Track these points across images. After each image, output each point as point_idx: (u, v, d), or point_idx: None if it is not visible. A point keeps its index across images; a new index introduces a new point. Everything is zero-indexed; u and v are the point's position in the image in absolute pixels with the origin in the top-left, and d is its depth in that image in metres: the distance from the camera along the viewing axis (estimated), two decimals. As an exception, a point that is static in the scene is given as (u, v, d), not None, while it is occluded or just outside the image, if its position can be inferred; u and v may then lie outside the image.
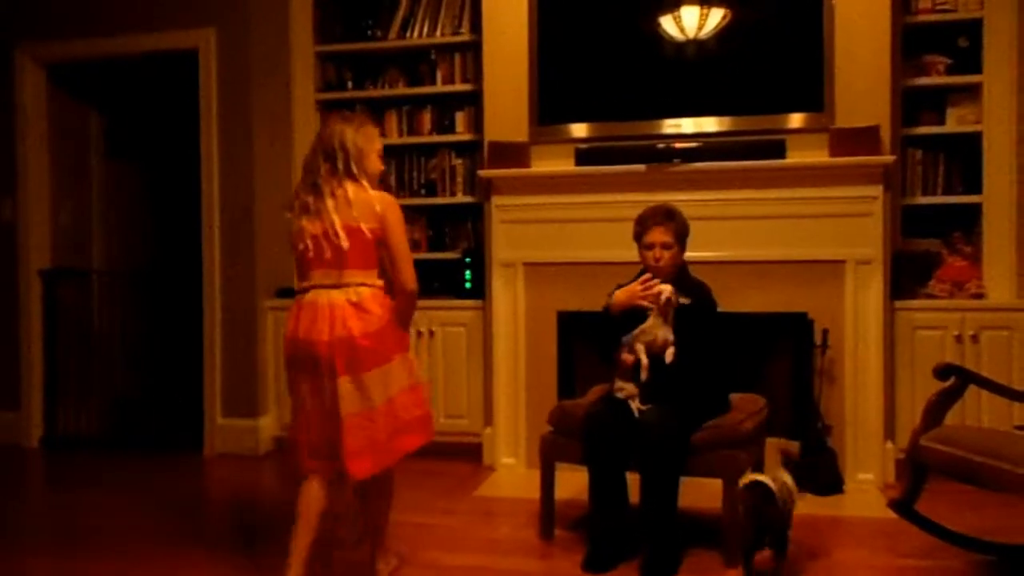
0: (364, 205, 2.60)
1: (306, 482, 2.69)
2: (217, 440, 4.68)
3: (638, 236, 3.15)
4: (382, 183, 4.59)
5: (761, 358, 4.10)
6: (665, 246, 3.07)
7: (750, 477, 2.76)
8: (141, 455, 4.69)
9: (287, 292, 4.78)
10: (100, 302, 5.27)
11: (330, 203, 2.58)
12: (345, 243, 2.56)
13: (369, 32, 4.87)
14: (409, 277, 2.65)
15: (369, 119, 2.82)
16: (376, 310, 2.59)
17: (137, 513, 3.67)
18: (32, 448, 4.92)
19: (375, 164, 2.70)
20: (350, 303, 2.57)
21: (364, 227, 2.58)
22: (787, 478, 2.84)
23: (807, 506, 3.62)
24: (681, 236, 3.12)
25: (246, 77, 4.63)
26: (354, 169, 2.62)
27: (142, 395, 5.44)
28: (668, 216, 3.12)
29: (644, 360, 2.95)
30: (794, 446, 3.78)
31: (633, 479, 2.98)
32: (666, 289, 2.95)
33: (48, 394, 4.98)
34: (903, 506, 3.03)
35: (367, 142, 2.67)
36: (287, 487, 4.15)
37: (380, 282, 2.66)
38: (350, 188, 2.60)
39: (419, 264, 4.62)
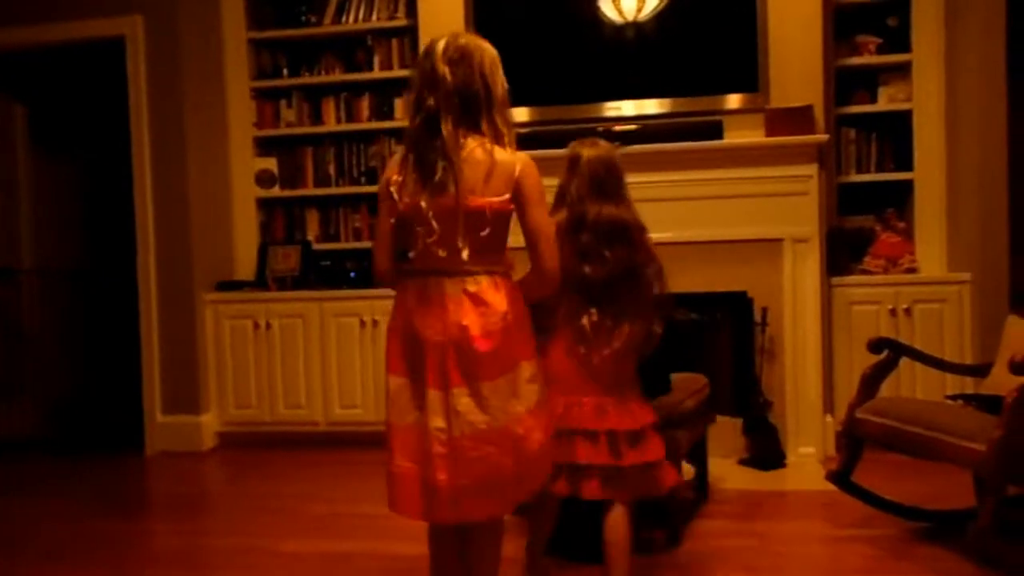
0: (500, 169, 2.00)
1: (432, 535, 2.16)
2: (158, 438, 4.58)
3: None
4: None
5: (703, 337, 4.15)
6: None
7: None
8: (79, 457, 4.57)
9: (228, 285, 4.70)
10: (31, 301, 5.10)
11: (455, 166, 1.97)
12: (468, 224, 1.98)
13: (303, 18, 4.78)
14: (553, 262, 2.06)
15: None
16: (499, 304, 2.02)
17: (75, 518, 3.56)
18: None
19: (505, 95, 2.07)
20: (468, 294, 2.01)
21: (495, 200, 2.00)
22: None
23: (750, 481, 3.71)
24: None
25: (176, 65, 4.50)
26: (497, 119, 2.02)
27: (80, 395, 5.30)
28: None
29: None
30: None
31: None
32: None
33: (-25, 397, 4.82)
34: (840, 477, 3.10)
35: (497, 58, 2.06)
36: (232, 484, 4.13)
37: (504, 266, 2.08)
38: (482, 144, 2.01)
39: (362, 253, 4.73)
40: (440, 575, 2.18)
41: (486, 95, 2.02)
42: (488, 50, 2.07)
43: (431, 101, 2.00)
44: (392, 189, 2.05)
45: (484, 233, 2.01)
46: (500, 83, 2.06)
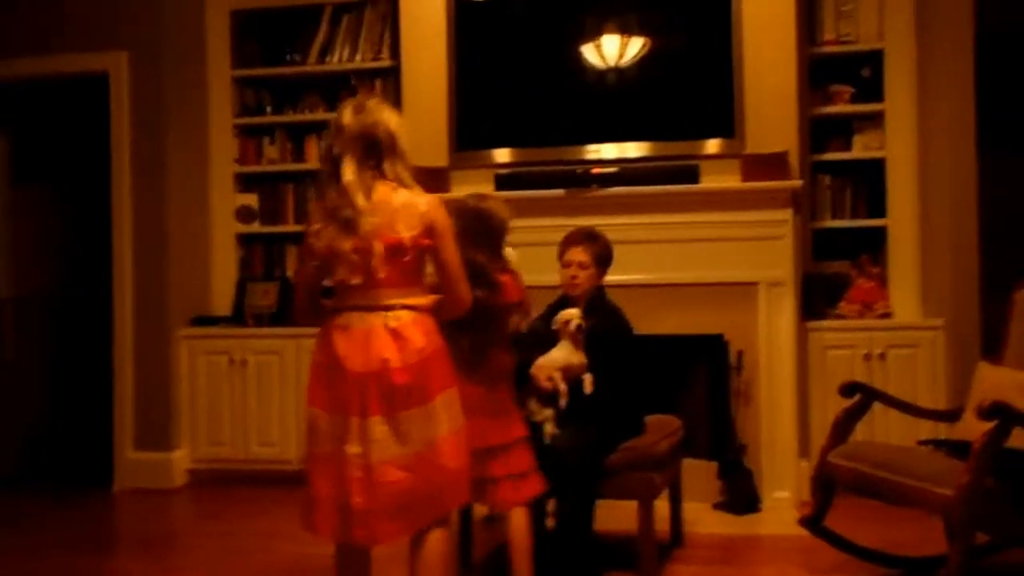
0: (407, 209, 2.17)
1: (339, 554, 2.27)
2: (127, 475, 4.52)
3: (560, 255, 3.19)
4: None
5: (678, 380, 4.17)
6: (581, 266, 3.10)
7: None
8: (46, 492, 4.50)
9: (204, 320, 4.69)
10: (7, 330, 5.05)
11: (364, 208, 2.12)
12: (381, 258, 2.13)
13: (288, 57, 4.84)
14: (464, 291, 2.29)
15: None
16: (417, 338, 2.17)
17: (40, 555, 3.50)
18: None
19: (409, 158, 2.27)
20: (388, 329, 2.15)
21: (405, 236, 2.16)
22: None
23: (724, 525, 3.69)
24: (600, 259, 3.15)
25: (160, 101, 4.54)
26: (398, 164, 2.20)
27: (51, 428, 5.22)
28: (589, 238, 3.16)
29: (563, 387, 2.95)
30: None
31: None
32: (574, 316, 2.97)
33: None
34: (813, 522, 3.09)
35: (404, 131, 2.25)
36: (201, 522, 4.07)
37: (425, 300, 2.24)
38: (389, 188, 2.18)
39: None
40: None
41: (389, 143, 2.19)
42: (394, 114, 2.26)
43: (337, 148, 2.18)
44: (312, 240, 2.20)
45: (404, 264, 2.18)
46: (402, 138, 2.22)
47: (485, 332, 2.69)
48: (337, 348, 2.17)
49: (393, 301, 2.17)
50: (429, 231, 2.19)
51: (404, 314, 2.17)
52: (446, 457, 2.19)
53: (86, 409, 5.06)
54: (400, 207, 2.17)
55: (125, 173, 4.56)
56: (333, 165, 2.18)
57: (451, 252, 2.25)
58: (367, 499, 2.11)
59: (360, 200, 2.13)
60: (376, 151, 2.18)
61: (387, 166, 2.19)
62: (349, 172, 2.15)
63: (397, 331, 2.15)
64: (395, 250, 2.15)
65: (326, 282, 2.25)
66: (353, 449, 2.13)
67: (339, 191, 2.15)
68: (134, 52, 4.54)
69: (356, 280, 2.14)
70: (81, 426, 5.11)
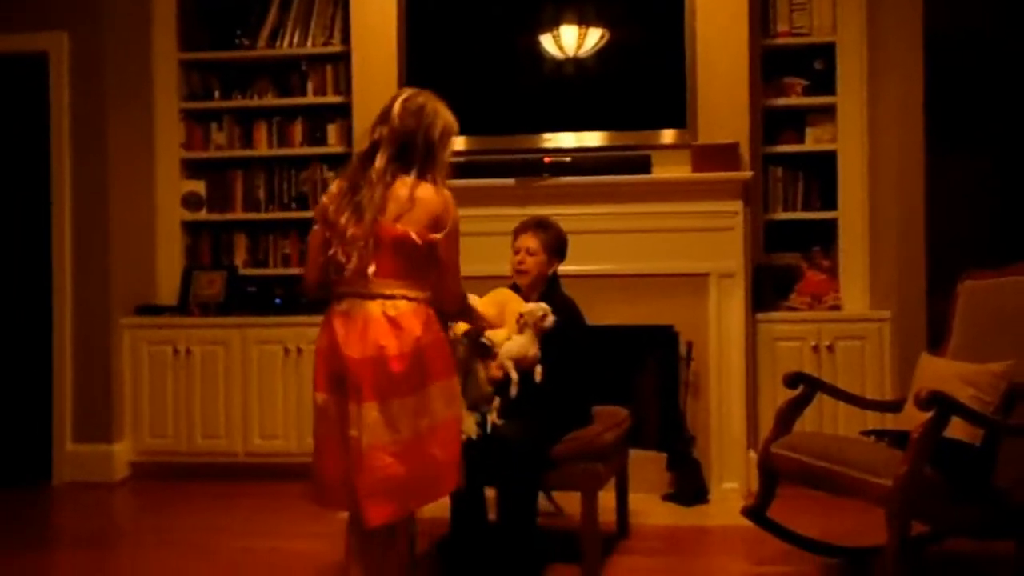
0: (421, 205, 2.23)
1: (350, 524, 2.34)
2: (67, 468, 4.42)
3: (513, 241, 3.19)
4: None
5: (628, 371, 4.18)
6: (530, 252, 3.10)
7: None
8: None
9: (148, 309, 4.59)
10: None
11: (378, 200, 2.20)
12: (390, 252, 2.21)
13: (237, 41, 4.74)
14: (456, 287, 2.37)
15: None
16: (414, 328, 2.22)
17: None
18: None
19: (448, 160, 2.35)
20: (387, 317, 2.21)
21: (413, 231, 2.22)
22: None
23: (672, 516, 3.71)
24: (550, 248, 3.14)
25: (101, 84, 4.43)
26: (428, 167, 2.26)
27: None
28: (540, 226, 3.16)
29: (514, 376, 2.92)
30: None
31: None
32: (548, 311, 2.95)
33: None
34: (755, 513, 3.12)
35: (452, 130, 2.33)
36: (143, 517, 4.00)
37: (424, 293, 2.29)
38: (410, 183, 2.24)
39: (290, 280, 4.67)
40: (351, 564, 2.35)
41: (425, 150, 2.25)
42: (446, 119, 2.31)
43: (377, 134, 2.27)
44: (330, 209, 2.27)
45: (406, 258, 2.23)
46: (445, 149, 2.30)
47: None
48: (337, 333, 2.24)
49: (393, 291, 2.23)
50: (435, 227, 2.24)
51: (403, 304, 2.23)
52: (437, 446, 2.26)
53: (23, 401, 4.91)
54: (415, 203, 2.22)
55: (65, 157, 4.44)
56: (372, 148, 2.26)
57: (451, 250, 2.30)
58: (361, 481, 2.19)
59: (377, 192, 2.21)
60: (410, 152, 2.25)
61: (416, 168, 2.26)
62: (380, 161, 2.23)
63: (395, 320, 2.21)
64: (400, 243, 2.21)
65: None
66: (352, 432, 2.21)
67: (365, 176, 2.24)
68: (75, 32, 4.42)
69: (350, 265, 2.21)
70: (18, 418, 4.96)
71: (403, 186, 2.23)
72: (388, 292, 2.23)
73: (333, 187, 2.34)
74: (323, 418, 2.29)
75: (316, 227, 2.34)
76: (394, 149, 2.24)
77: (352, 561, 2.34)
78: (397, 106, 2.27)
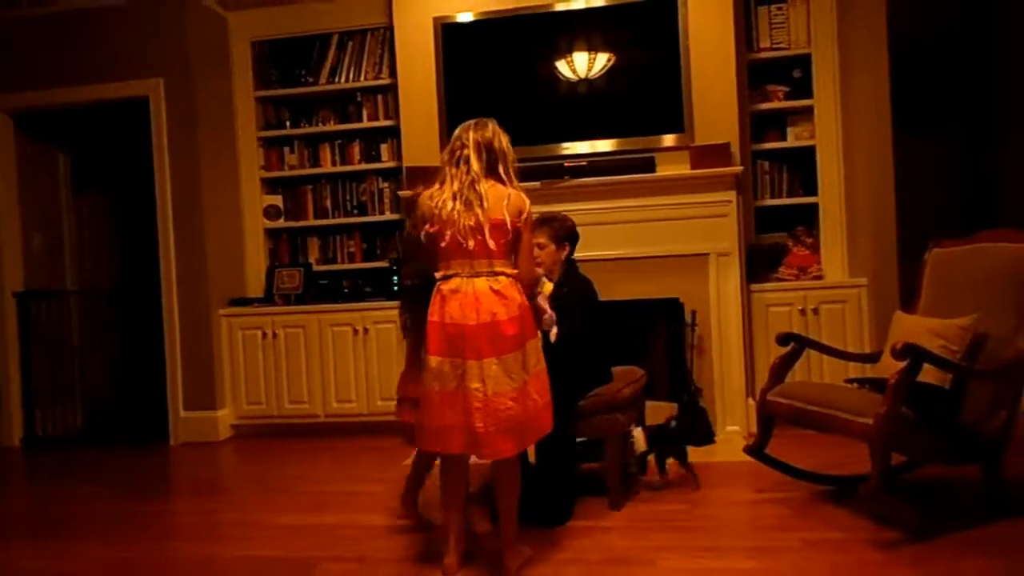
0: (508, 199, 2.38)
1: (452, 463, 2.44)
2: (181, 431, 4.53)
3: None
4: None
5: (642, 337, 4.17)
6: (540, 246, 3.06)
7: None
8: (114, 449, 4.50)
9: (240, 301, 4.68)
10: (75, 317, 5.05)
11: (482, 195, 2.35)
12: (492, 235, 2.34)
13: (302, 79, 4.81)
14: (532, 270, 2.52)
15: None
16: (515, 296, 2.37)
17: (110, 499, 3.51)
18: (14, 447, 4.69)
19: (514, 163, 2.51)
20: (493, 290, 2.34)
21: (508, 221, 2.36)
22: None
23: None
24: (557, 237, 3.10)
25: (192, 120, 4.51)
26: (509, 169, 2.43)
27: (116, 396, 5.23)
28: (544, 222, 3.13)
29: (550, 312, 2.84)
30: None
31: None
32: (545, 283, 2.97)
33: (26, 400, 4.74)
34: (755, 451, 3.11)
35: (509, 145, 2.50)
36: (242, 468, 4.09)
37: (515, 271, 2.42)
38: (498, 185, 2.39)
39: (355, 272, 4.74)
40: (450, 498, 2.46)
41: (501, 152, 2.42)
42: (502, 133, 2.47)
43: (464, 151, 2.41)
44: (436, 211, 2.38)
45: (506, 240, 2.37)
46: (511, 153, 2.46)
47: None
48: (451, 309, 2.34)
49: (494, 269, 2.36)
50: (519, 216, 2.38)
51: (503, 279, 2.36)
52: (536, 392, 2.38)
53: (145, 380, 5.07)
54: (503, 197, 2.37)
55: (166, 182, 4.54)
56: (457, 162, 2.40)
57: (529, 236, 2.46)
58: (487, 423, 2.29)
59: (481, 188, 2.35)
60: (493, 157, 2.41)
61: (500, 169, 2.41)
62: (476, 166, 2.38)
63: (500, 292, 2.34)
64: (499, 228, 2.35)
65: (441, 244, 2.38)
66: (474, 384, 2.30)
67: (464, 181, 2.37)
68: (169, 78, 4.52)
69: (470, 244, 2.33)
70: (142, 394, 5.12)
71: (492, 185, 2.38)
72: (490, 270, 2.35)
73: (426, 196, 2.43)
74: (436, 377, 2.35)
75: (421, 230, 2.42)
76: (481, 157, 2.39)
77: (449, 501, 2.45)
78: (471, 131, 2.43)
